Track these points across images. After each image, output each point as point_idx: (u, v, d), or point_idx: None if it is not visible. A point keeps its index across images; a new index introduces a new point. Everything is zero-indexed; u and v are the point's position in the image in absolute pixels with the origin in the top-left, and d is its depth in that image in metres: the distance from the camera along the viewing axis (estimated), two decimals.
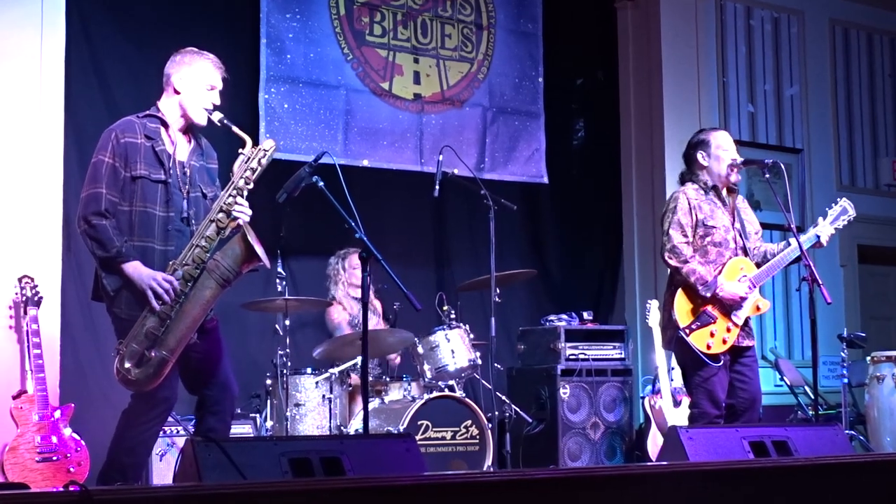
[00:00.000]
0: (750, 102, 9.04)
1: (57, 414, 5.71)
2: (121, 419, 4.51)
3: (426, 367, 6.44)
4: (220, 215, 4.49)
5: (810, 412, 7.58)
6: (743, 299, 5.40)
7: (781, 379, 8.20)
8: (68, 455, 5.65)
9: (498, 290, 6.23)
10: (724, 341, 5.39)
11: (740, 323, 5.42)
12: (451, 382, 6.46)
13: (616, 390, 7.45)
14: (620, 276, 8.72)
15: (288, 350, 6.31)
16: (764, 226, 5.91)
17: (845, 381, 7.43)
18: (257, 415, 6.47)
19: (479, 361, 6.52)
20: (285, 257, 6.79)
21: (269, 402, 6.45)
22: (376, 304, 7.15)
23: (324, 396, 6.37)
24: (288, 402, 6.26)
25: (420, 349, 6.46)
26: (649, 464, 6.25)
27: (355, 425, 6.30)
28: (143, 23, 6.91)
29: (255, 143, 4.67)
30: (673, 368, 6.97)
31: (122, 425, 4.49)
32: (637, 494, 3.49)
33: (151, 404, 4.45)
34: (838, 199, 5.71)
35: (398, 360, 7.06)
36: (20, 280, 5.85)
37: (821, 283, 5.34)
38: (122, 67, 6.83)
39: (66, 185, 6.24)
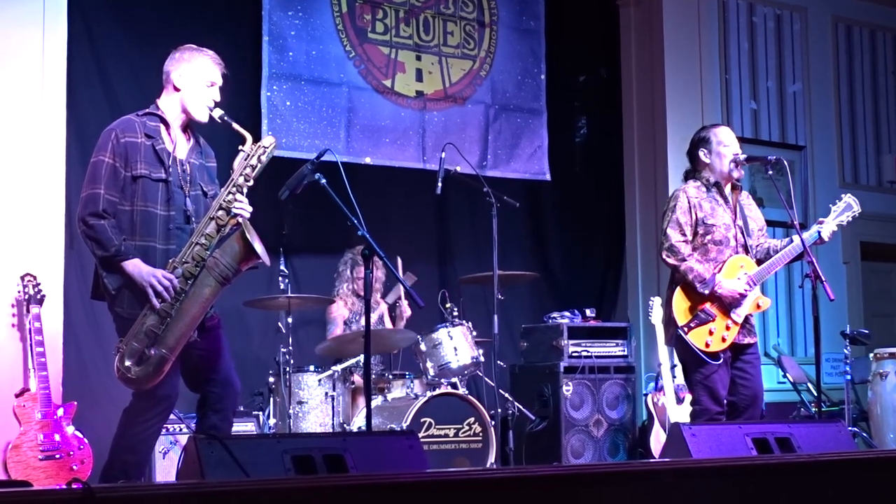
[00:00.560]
0: (752, 99, 9.03)
1: (60, 412, 5.72)
2: (122, 417, 4.51)
3: (429, 364, 6.44)
4: (220, 213, 4.48)
5: (813, 409, 7.58)
6: (742, 297, 5.38)
7: (784, 376, 8.19)
8: (71, 453, 5.66)
9: (501, 288, 6.22)
10: (724, 339, 5.37)
11: (740, 321, 5.41)
12: (453, 380, 6.47)
13: (619, 387, 7.45)
14: (623, 273, 8.72)
15: (291, 348, 6.31)
16: (767, 223, 5.89)
17: (848, 377, 7.43)
18: (260, 412, 6.48)
19: (482, 359, 6.52)
20: (288, 255, 6.79)
21: (271, 399, 6.46)
22: (382, 305, 7.16)
23: (326, 394, 6.37)
24: (291, 400, 6.26)
25: (423, 346, 6.47)
26: (652, 461, 6.24)
27: (358, 423, 6.30)
28: (144, 21, 6.91)
29: (256, 140, 4.67)
30: (675, 365, 6.96)
31: (123, 424, 4.49)
32: (640, 491, 3.49)
33: (152, 402, 4.45)
34: (842, 196, 5.70)
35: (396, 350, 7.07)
36: (23, 278, 5.86)
37: (824, 279, 5.33)
38: (124, 65, 6.84)
39: (68, 182, 6.24)
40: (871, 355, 7.39)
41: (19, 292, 5.87)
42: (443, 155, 6.37)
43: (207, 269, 4.41)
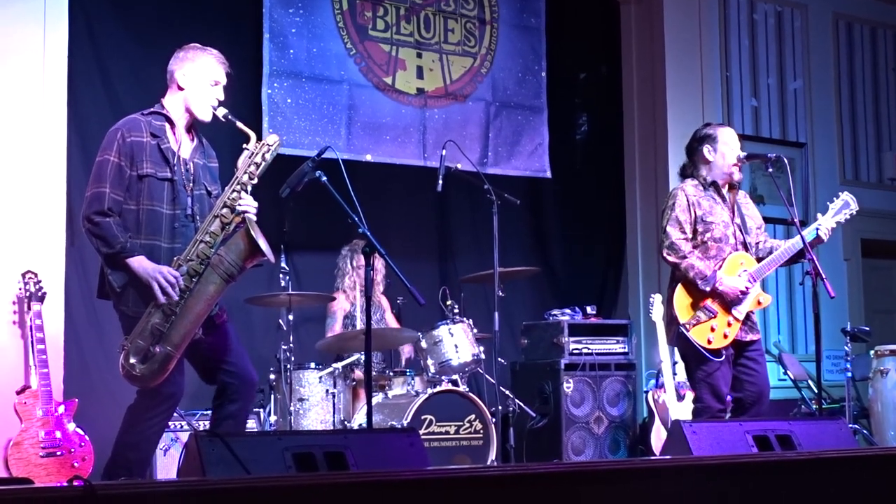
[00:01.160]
0: (753, 96, 9.03)
1: (61, 409, 5.72)
2: (126, 415, 4.52)
3: (430, 361, 6.44)
4: (224, 211, 4.49)
5: (814, 406, 7.57)
6: (743, 293, 5.39)
7: (785, 373, 8.20)
8: (72, 450, 5.66)
9: (501, 285, 6.23)
10: (725, 336, 5.38)
11: (741, 317, 5.42)
12: (454, 377, 6.47)
13: (619, 385, 7.45)
14: (624, 271, 8.72)
15: (291, 345, 6.32)
16: (767, 220, 5.90)
17: (849, 375, 7.43)
18: (261, 409, 6.48)
19: (483, 356, 6.52)
20: (289, 252, 6.79)
21: (272, 396, 6.47)
22: (385, 303, 7.16)
23: (327, 391, 6.38)
24: (291, 397, 6.26)
25: (423, 344, 6.47)
26: (653, 458, 6.24)
27: (359, 420, 6.31)
28: (145, 19, 6.92)
29: (260, 138, 4.67)
30: (676, 363, 6.97)
31: (126, 421, 4.50)
32: (641, 489, 3.49)
33: (157, 400, 4.46)
34: (840, 193, 5.71)
35: (411, 354, 7.07)
36: (24, 275, 5.86)
37: (824, 277, 5.33)
38: (125, 63, 6.84)
39: (69, 180, 6.25)
40: (872, 352, 7.40)
41: (20, 289, 5.87)
42: (443, 152, 6.37)
43: (212, 267, 4.42)
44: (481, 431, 6.27)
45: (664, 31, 8.48)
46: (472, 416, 6.27)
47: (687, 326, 5.35)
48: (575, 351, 7.35)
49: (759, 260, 5.51)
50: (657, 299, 7.20)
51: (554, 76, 8.40)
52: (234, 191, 4.52)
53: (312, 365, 6.46)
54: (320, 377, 6.39)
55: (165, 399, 4.47)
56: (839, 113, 9.50)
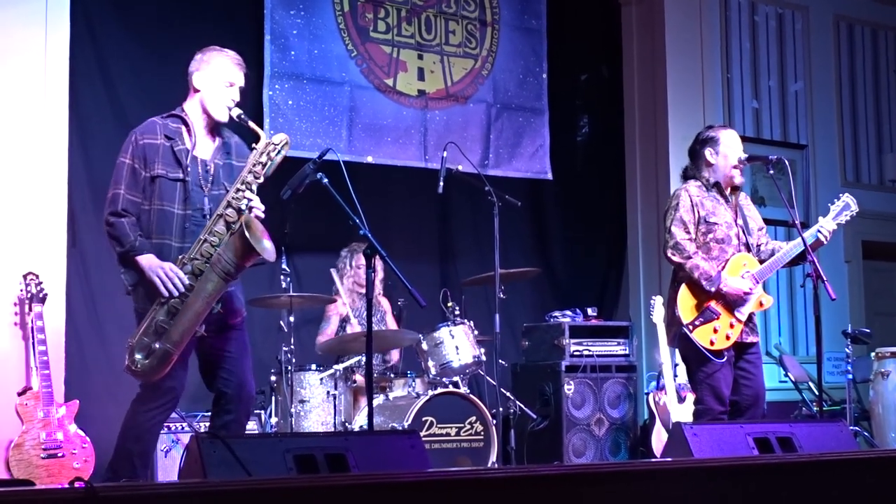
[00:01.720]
0: (754, 98, 9.03)
1: (62, 410, 5.72)
2: (130, 408, 4.61)
3: (430, 363, 6.44)
4: (229, 210, 4.53)
5: (815, 408, 7.57)
6: (747, 294, 5.39)
7: (786, 375, 8.20)
8: (74, 451, 5.66)
9: (502, 287, 6.23)
10: (728, 337, 5.38)
11: (743, 319, 5.42)
12: (455, 379, 6.47)
13: (620, 386, 7.45)
14: (625, 273, 8.72)
15: (292, 346, 6.31)
16: (768, 222, 5.90)
17: (850, 377, 7.43)
18: (262, 411, 6.48)
19: (484, 358, 6.52)
20: (290, 254, 6.78)
21: (273, 398, 6.46)
22: (385, 304, 7.15)
23: (328, 393, 6.38)
24: (292, 399, 6.26)
25: (424, 345, 6.47)
26: (654, 460, 6.24)
27: (360, 422, 6.30)
28: (146, 20, 6.92)
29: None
30: (677, 364, 6.97)
31: (129, 413, 4.60)
32: (641, 491, 3.49)
33: (157, 394, 4.55)
34: (841, 195, 5.71)
35: (397, 357, 7.07)
36: (25, 277, 5.86)
37: (825, 279, 5.33)
38: (126, 64, 6.84)
39: (70, 181, 6.25)
40: (873, 354, 7.40)
41: (21, 291, 5.87)
42: (444, 154, 6.37)
43: (211, 266, 4.47)
44: (482, 433, 6.27)
45: (665, 32, 8.48)
46: (473, 418, 6.27)
47: (690, 327, 5.35)
48: (576, 353, 7.35)
49: (760, 262, 5.52)
50: (658, 301, 7.20)
51: (555, 78, 8.40)
52: (238, 190, 4.55)
53: (313, 367, 6.46)
54: (321, 379, 6.39)
55: (164, 393, 4.56)
56: (840, 115, 9.50)
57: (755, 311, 5.50)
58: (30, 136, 6.09)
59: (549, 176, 8.29)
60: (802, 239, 5.37)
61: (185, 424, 6.03)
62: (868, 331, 7.82)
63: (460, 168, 6.65)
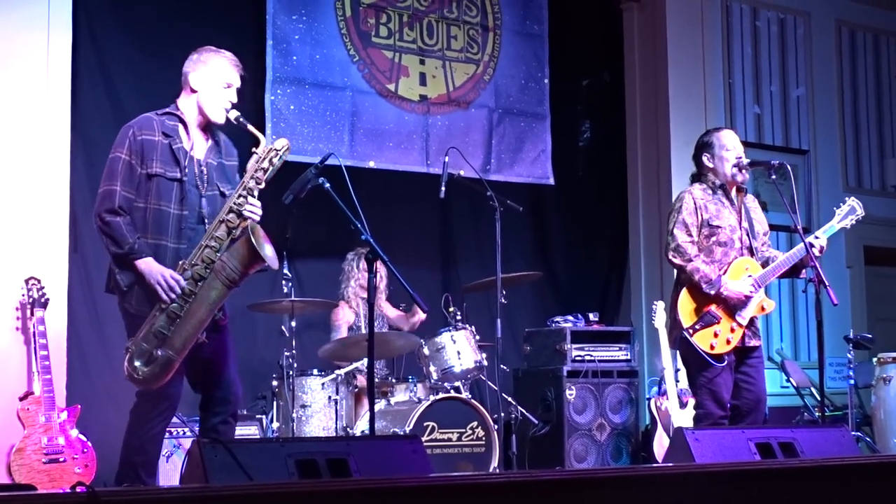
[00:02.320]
0: (756, 104, 9.03)
1: (63, 415, 5.72)
2: (129, 420, 4.56)
3: (432, 368, 6.45)
4: (231, 215, 4.50)
5: (817, 413, 7.56)
6: (747, 298, 5.39)
7: (788, 380, 8.19)
8: (75, 456, 5.66)
9: (504, 292, 6.22)
10: (728, 342, 5.38)
11: (745, 323, 5.42)
12: (456, 384, 6.46)
13: (622, 392, 7.45)
14: (626, 278, 8.72)
15: (294, 351, 6.32)
16: (770, 227, 5.90)
17: (852, 382, 7.41)
18: (263, 416, 6.48)
19: (485, 363, 6.52)
20: (291, 259, 6.79)
21: (275, 403, 6.46)
22: (389, 311, 7.14)
23: (330, 398, 6.37)
24: (294, 404, 6.26)
25: (426, 350, 6.47)
26: (655, 465, 6.24)
27: (361, 426, 6.30)
28: (149, 25, 6.92)
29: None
30: (679, 370, 6.96)
31: (130, 425, 4.54)
32: (643, 496, 3.49)
33: (155, 401, 4.48)
34: (846, 199, 5.71)
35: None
36: (27, 281, 5.86)
37: (827, 284, 5.33)
38: (128, 69, 6.85)
39: (72, 186, 6.25)
40: (875, 359, 7.39)
41: (23, 296, 5.87)
42: (446, 159, 6.37)
43: (215, 273, 4.43)
44: (484, 438, 6.27)
45: (667, 37, 8.48)
46: (475, 423, 6.27)
47: (690, 331, 5.35)
48: (577, 358, 7.35)
49: (762, 265, 5.51)
50: (660, 306, 7.20)
51: (557, 83, 8.41)
52: (240, 195, 4.52)
53: (315, 371, 6.46)
54: (323, 384, 6.38)
55: (164, 399, 4.49)
56: (842, 120, 9.50)
57: (757, 315, 5.49)
58: (32, 140, 6.10)
59: (551, 181, 8.29)
60: (805, 244, 5.36)
61: (186, 429, 6.02)
62: (870, 336, 7.81)
63: (462, 173, 6.65)
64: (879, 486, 3.98)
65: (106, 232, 4.43)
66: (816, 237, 5.49)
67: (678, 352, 5.72)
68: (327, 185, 4.66)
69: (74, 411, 5.78)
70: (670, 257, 5.47)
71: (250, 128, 4.63)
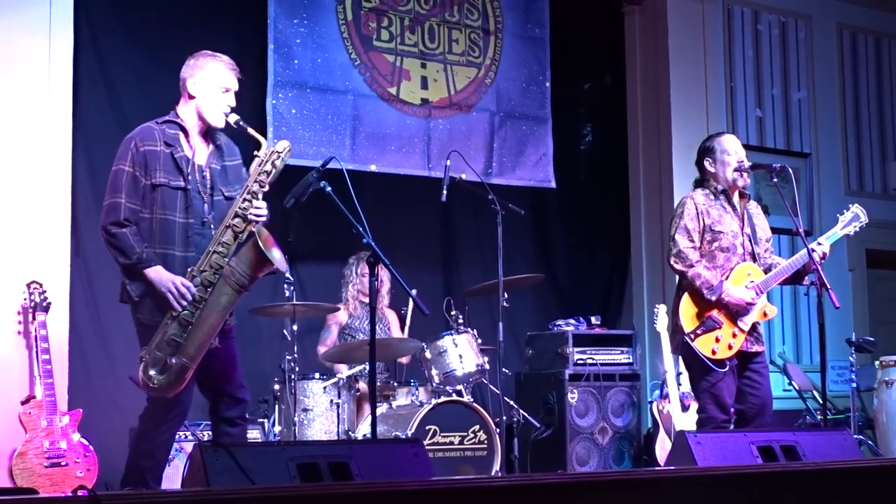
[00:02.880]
0: (757, 107, 9.03)
1: (65, 419, 5.72)
2: (138, 424, 4.58)
3: (434, 371, 6.44)
4: (236, 220, 4.50)
5: (819, 417, 7.56)
6: (749, 304, 5.38)
7: (790, 383, 8.19)
8: (77, 460, 5.66)
9: (506, 295, 6.22)
10: (730, 347, 5.37)
11: (747, 328, 5.40)
12: (458, 387, 6.46)
13: (624, 395, 7.44)
14: (628, 281, 8.72)
15: (296, 355, 6.32)
16: (772, 230, 5.89)
17: (854, 385, 7.41)
18: (265, 420, 6.48)
19: (487, 366, 6.52)
20: (293, 263, 6.78)
21: (276, 407, 6.46)
22: (391, 317, 7.14)
23: (331, 401, 6.37)
24: (296, 408, 6.26)
25: (428, 354, 6.46)
26: (657, 468, 6.23)
27: (363, 430, 6.30)
28: (150, 28, 6.93)
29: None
30: (681, 373, 6.96)
31: (139, 430, 4.57)
32: (645, 499, 3.49)
33: (167, 407, 4.50)
34: (850, 206, 5.70)
35: (408, 359, 7.07)
36: (28, 286, 5.87)
37: (829, 287, 5.32)
38: (130, 73, 6.85)
39: (73, 190, 6.26)
40: (877, 363, 7.39)
41: (25, 300, 5.88)
42: (448, 162, 6.36)
43: (224, 278, 4.43)
44: (485, 442, 6.27)
45: (668, 40, 8.49)
46: (477, 427, 6.26)
47: (692, 336, 5.34)
48: (579, 361, 7.34)
49: (764, 270, 5.50)
50: (662, 310, 7.20)
51: (558, 86, 8.41)
52: (244, 199, 4.53)
53: (317, 375, 6.46)
54: (324, 387, 6.38)
55: (176, 405, 4.51)
56: (843, 123, 9.50)
57: (759, 321, 5.48)
58: (33, 143, 6.10)
59: (553, 184, 8.28)
60: (807, 247, 5.36)
61: (188, 433, 6.02)
62: (872, 339, 7.81)
63: (464, 177, 6.65)
64: (881, 490, 3.97)
65: (113, 244, 4.44)
66: (819, 243, 5.48)
67: (681, 356, 5.71)
68: (329, 188, 4.66)
69: (76, 415, 5.78)
70: (672, 263, 5.46)
71: (251, 131, 4.63)
